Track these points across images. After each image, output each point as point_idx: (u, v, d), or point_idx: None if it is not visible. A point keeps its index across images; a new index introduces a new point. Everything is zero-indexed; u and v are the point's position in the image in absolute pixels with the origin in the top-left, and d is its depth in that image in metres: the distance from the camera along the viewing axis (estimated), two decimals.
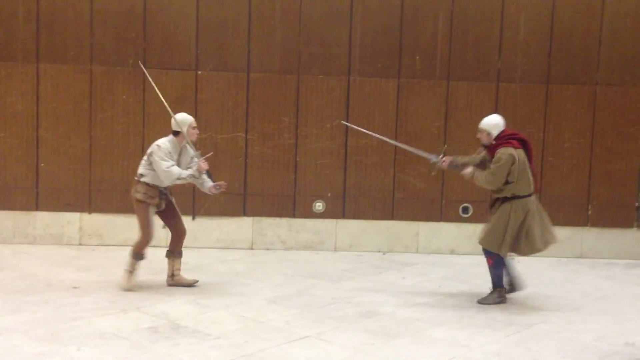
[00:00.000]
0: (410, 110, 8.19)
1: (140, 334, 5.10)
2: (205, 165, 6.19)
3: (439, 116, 8.21)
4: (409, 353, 4.90)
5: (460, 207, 8.31)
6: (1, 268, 6.93)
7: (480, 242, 6.19)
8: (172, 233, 6.52)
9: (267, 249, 8.26)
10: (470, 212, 8.31)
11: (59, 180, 8.05)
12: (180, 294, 6.20)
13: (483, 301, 6.18)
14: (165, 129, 8.01)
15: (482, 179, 6.08)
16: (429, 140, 8.19)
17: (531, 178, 6.05)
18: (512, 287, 6.33)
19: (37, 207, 8.07)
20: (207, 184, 6.31)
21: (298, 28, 8.08)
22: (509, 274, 6.30)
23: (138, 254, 6.27)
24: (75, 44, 7.95)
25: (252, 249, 8.26)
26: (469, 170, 6.24)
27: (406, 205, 8.31)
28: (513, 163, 5.89)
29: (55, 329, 5.12)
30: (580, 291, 6.78)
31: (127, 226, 8.08)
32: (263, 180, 8.21)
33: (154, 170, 6.15)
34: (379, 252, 8.28)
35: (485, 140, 6.12)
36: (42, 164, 8.03)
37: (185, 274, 6.55)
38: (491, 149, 6.08)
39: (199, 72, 8.08)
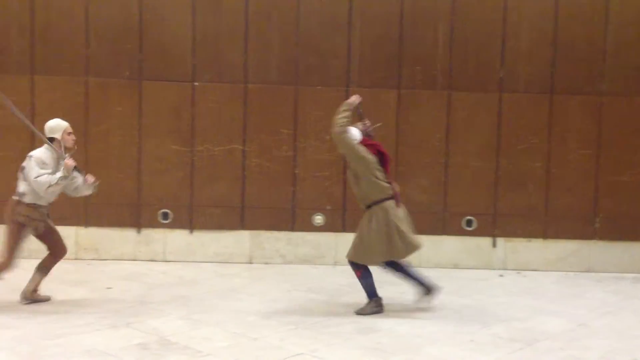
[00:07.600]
0: (411, 121, 8.03)
1: (129, 351, 4.93)
2: (71, 162, 5.81)
3: (440, 127, 8.05)
4: None
5: (464, 219, 8.12)
6: None
7: (348, 257, 6.11)
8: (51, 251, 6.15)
9: (266, 263, 8.10)
10: (474, 225, 8.12)
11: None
12: (172, 309, 6.04)
13: (360, 312, 6.07)
14: (162, 140, 7.99)
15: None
16: (431, 151, 8.05)
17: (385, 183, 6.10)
18: (428, 290, 6.26)
19: None
20: (79, 180, 6.00)
21: (295, 38, 7.97)
22: (416, 280, 6.24)
23: None
24: (70, 56, 7.89)
25: (250, 263, 8.10)
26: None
27: None
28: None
29: (41, 346, 4.96)
30: (587, 306, 6.57)
31: (123, 240, 7.98)
32: (261, 193, 8.06)
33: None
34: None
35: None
36: None
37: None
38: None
39: (196, 84, 7.97)
